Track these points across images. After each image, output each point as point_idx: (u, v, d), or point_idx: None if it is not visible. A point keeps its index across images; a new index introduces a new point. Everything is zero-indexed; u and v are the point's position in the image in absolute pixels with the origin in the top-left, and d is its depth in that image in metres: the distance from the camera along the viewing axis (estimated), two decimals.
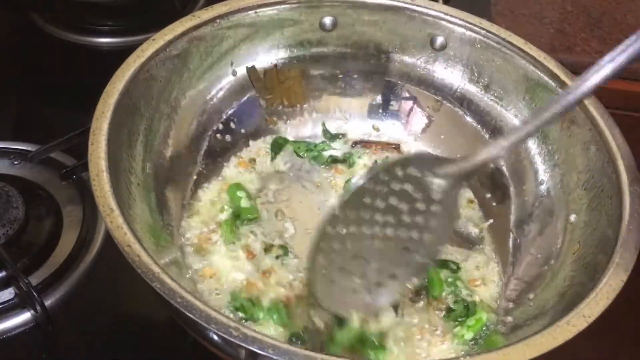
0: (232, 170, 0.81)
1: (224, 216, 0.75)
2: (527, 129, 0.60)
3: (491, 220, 0.78)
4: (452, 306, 0.70)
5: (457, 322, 0.69)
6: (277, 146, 0.84)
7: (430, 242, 0.63)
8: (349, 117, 0.87)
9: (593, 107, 0.71)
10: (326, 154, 0.85)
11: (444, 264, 0.74)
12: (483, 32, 0.79)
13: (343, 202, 0.62)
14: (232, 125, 0.82)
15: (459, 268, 0.74)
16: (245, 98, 0.83)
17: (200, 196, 0.77)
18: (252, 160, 0.83)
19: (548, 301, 0.65)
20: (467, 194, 0.81)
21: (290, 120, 0.86)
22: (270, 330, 0.66)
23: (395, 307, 0.68)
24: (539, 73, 0.76)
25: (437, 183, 0.61)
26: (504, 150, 0.60)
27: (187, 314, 0.50)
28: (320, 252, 0.62)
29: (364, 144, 0.86)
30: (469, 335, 0.68)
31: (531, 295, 0.68)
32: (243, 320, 0.66)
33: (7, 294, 0.71)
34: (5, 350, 0.69)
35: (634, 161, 0.67)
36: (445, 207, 0.62)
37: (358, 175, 0.81)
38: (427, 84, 0.85)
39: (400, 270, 0.63)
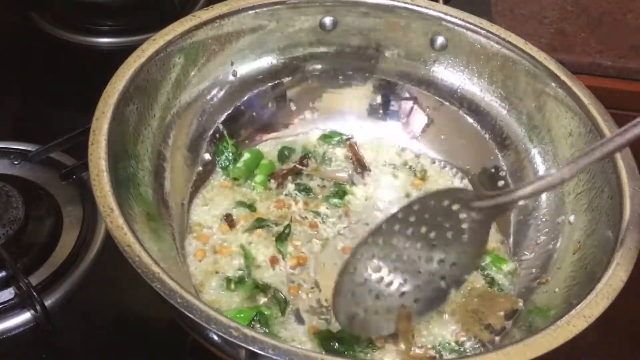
0: None
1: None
2: (563, 175, 0.59)
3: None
4: None
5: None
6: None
7: (456, 271, 0.64)
8: (348, 118, 0.87)
9: (593, 108, 0.71)
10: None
11: None
12: (483, 32, 0.79)
13: (375, 229, 0.62)
14: (233, 125, 0.82)
15: None
16: (245, 98, 0.83)
17: (200, 196, 0.77)
18: None
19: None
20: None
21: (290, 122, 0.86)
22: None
23: None
24: (539, 73, 0.76)
25: (469, 216, 0.62)
26: (536, 192, 0.61)
27: (187, 314, 0.50)
28: (348, 271, 0.62)
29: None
30: None
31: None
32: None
33: (7, 294, 0.71)
34: (5, 350, 0.69)
35: (634, 161, 0.67)
36: (474, 239, 0.63)
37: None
38: (427, 84, 0.84)
39: (423, 295, 0.64)
